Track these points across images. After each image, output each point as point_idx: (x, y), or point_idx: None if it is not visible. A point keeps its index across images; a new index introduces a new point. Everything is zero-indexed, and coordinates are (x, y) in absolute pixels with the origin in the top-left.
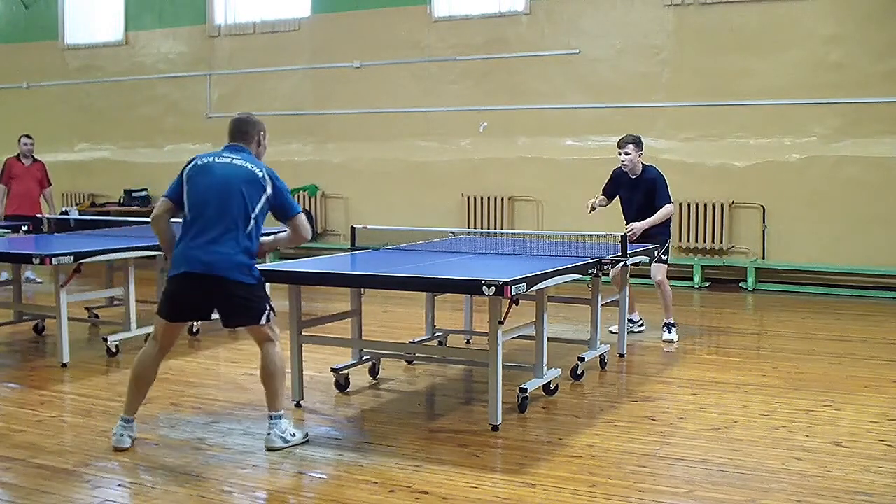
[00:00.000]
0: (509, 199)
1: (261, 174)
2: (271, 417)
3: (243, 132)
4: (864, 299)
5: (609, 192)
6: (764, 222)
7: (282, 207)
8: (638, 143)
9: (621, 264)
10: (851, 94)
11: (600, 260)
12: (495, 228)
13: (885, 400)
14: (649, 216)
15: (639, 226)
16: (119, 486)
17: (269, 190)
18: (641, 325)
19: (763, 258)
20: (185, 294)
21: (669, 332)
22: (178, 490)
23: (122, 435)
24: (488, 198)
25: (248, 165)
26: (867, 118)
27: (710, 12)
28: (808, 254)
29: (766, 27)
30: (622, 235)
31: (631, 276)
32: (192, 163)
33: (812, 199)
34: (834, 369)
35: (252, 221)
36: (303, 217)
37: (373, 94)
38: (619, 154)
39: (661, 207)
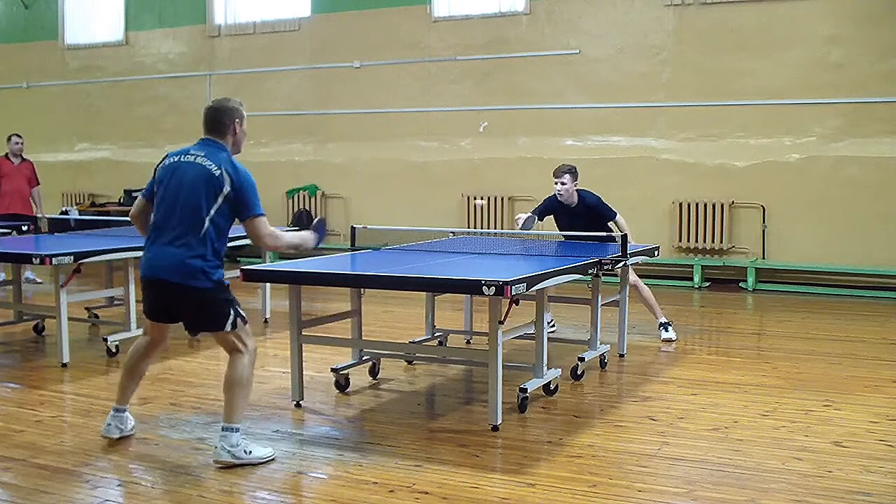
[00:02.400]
0: (509, 199)
1: (217, 172)
2: (223, 429)
3: (217, 123)
4: (864, 299)
5: (540, 214)
6: (764, 222)
7: (239, 206)
8: (574, 173)
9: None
10: (851, 94)
11: (600, 260)
12: (495, 228)
13: (885, 400)
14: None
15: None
16: (119, 486)
17: (226, 188)
18: (553, 325)
19: (763, 258)
20: (150, 297)
21: (666, 330)
22: (178, 490)
23: (109, 424)
24: (488, 198)
25: (207, 164)
26: (867, 118)
27: (710, 12)
28: (808, 254)
29: (766, 27)
30: (622, 235)
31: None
32: (163, 162)
33: (812, 199)
34: (834, 369)
35: (207, 223)
36: (262, 222)
37: (373, 94)
38: (556, 183)
39: (616, 222)
